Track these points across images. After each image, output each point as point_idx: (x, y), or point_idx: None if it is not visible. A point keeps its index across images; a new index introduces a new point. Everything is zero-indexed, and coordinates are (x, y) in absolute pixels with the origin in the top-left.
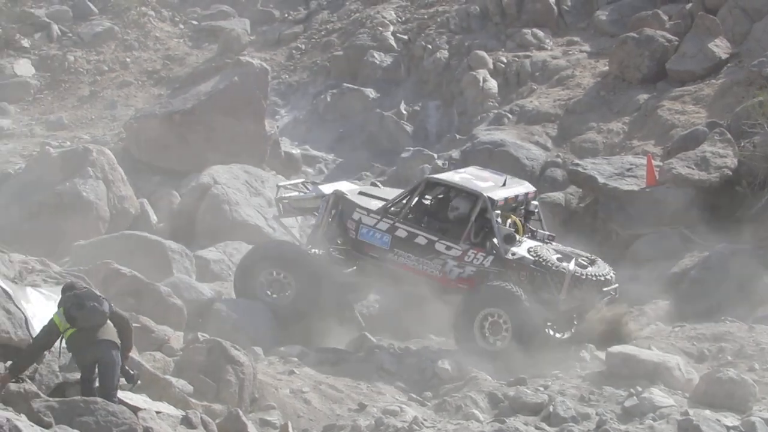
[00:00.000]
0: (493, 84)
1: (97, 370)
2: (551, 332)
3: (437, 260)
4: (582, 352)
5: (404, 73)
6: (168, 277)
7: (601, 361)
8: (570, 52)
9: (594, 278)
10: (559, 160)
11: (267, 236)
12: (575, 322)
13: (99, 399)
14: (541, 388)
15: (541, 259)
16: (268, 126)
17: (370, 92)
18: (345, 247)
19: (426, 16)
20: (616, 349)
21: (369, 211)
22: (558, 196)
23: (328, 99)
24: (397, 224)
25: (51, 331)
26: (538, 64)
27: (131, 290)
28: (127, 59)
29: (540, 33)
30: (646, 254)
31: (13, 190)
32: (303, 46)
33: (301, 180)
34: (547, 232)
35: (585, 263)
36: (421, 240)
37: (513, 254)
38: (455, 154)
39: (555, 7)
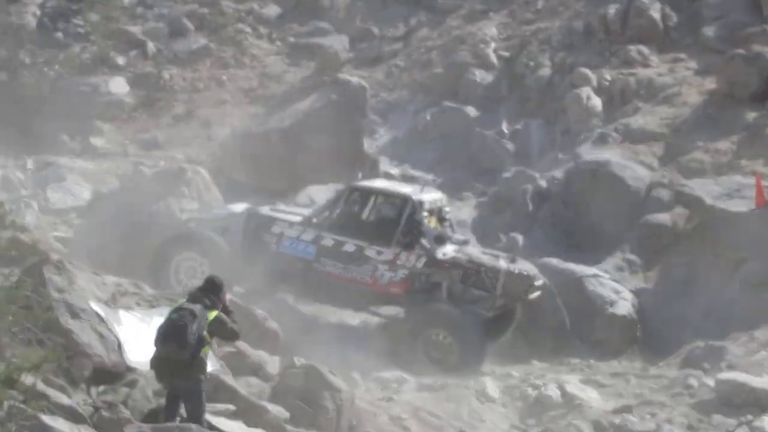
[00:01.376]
0: (597, 102)
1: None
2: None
3: (367, 266)
4: (690, 378)
5: (506, 91)
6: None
7: (711, 388)
8: (676, 69)
9: (525, 273)
10: (665, 180)
11: None
12: (513, 319)
13: (193, 425)
14: (648, 416)
15: (473, 258)
16: (367, 145)
17: (471, 110)
18: (262, 264)
19: (528, 33)
20: (726, 375)
21: (292, 222)
22: (664, 217)
23: (428, 117)
24: (322, 233)
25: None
26: (644, 81)
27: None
28: (223, 77)
29: (645, 50)
30: (755, 278)
31: (107, 210)
32: (402, 64)
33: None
34: (462, 237)
35: (512, 260)
36: (349, 247)
37: (444, 254)
38: (558, 173)
39: (660, 23)
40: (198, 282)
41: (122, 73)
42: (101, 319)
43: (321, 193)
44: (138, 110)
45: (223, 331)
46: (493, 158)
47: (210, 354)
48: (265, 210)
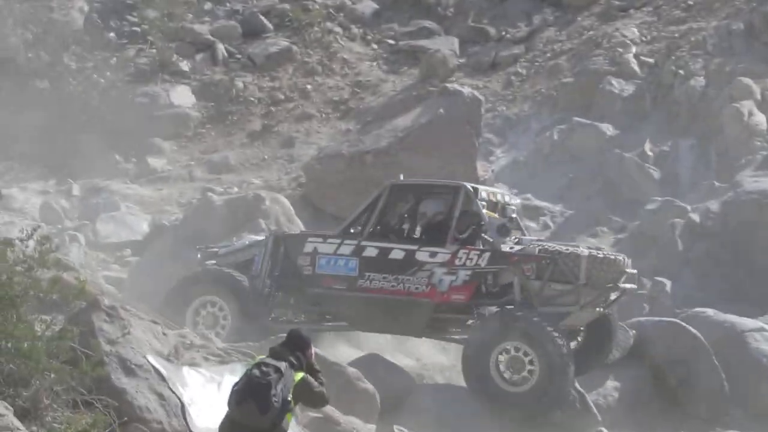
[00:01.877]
0: (761, 119)
1: None
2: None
3: (421, 273)
4: None
5: (649, 105)
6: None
7: None
8: None
9: (613, 257)
10: None
11: None
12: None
13: None
14: None
15: (547, 247)
16: (481, 169)
17: (608, 128)
18: (297, 293)
19: (677, 35)
20: None
21: (326, 236)
22: None
23: (555, 136)
24: (363, 243)
25: None
26: None
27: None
28: (308, 86)
29: None
30: None
31: (168, 245)
32: (524, 71)
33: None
34: (534, 238)
35: (596, 249)
36: (397, 254)
37: (511, 247)
38: (713, 205)
39: None
40: (221, 332)
41: (187, 81)
42: (161, 377)
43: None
44: (205, 126)
45: (310, 397)
46: (634, 186)
47: (293, 422)
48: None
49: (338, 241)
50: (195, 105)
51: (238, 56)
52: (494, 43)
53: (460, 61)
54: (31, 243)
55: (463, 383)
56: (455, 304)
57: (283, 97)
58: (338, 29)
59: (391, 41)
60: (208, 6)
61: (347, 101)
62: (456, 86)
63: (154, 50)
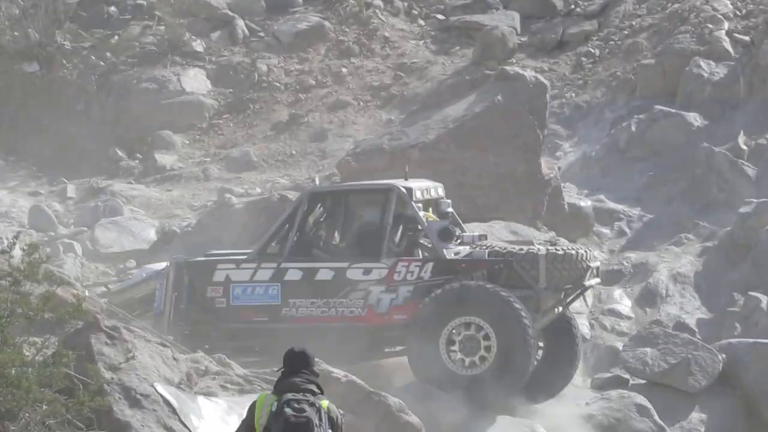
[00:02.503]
0: None
1: None
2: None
3: (355, 293)
4: None
5: (744, 91)
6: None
7: None
8: None
9: (574, 252)
10: None
11: None
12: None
13: None
14: None
15: (498, 249)
16: (546, 166)
17: (695, 118)
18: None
19: None
20: None
21: (238, 261)
22: None
23: (633, 128)
24: (284, 265)
25: (245, 422)
26: None
27: (348, 401)
28: (343, 69)
29: None
30: None
31: (180, 254)
32: (597, 52)
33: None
34: (476, 233)
35: (552, 243)
36: (325, 274)
37: (457, 253)
38: None
39: None
40: None
41: (201, 63)
42: (172, 409)
43: (481, 233)
44: (223, 116)
45: (335, 426)
46: (726, 186)
47: None
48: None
49: (254, 265)
50: (210, 92)
51: (261, 34)
52: (561, 18)
53: (522, 39)
54: (18, 253)
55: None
56: (398, 325)
57: (313, 82)
58: (379, 2)
59: (440, 16)
60: None
61: (389, 87)
62: (517, 69)
63: (163, 27)
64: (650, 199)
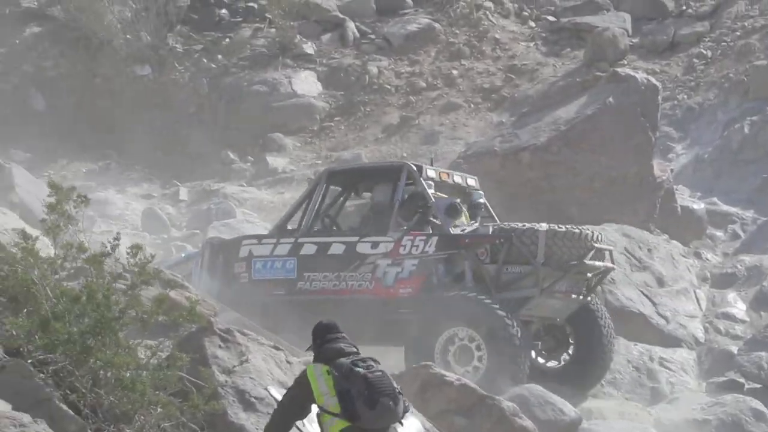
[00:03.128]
0: None
1: None
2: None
3: (364, 267)
4: None
5: None
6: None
7: None
8: None
9: (577, 230)
10: None
11: (657, 329)
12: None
13: None
14: None
15: (501, 225)
16: (658, 168)
17: None
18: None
19: None
20: None
21: (260, 236)
22: None
23: (746, 129)
24: (300, 240)
25: (295, 397)
26: None
27: (460, 405)
28: (454, 71)
29: None
30: None
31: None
32: (709, 53)
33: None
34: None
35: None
36: (337, 248)
37: (463, 230)
38: None
39: None
40: None
41: (312, 66)
42: None
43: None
44: (334, 118)
45: None
46: None
47: None
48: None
49: (274, 240)
50: (321, 94)
51: (372, 36)
52: (673, 19)
53: (633, 41)
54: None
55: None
56: (403, 299)
57: (424, 84)
58: (489, 4)
59: (551, 18)
60: None
61: (500, 89)
62: (628, 71)
63: (274, 30)
64: (764, 201)
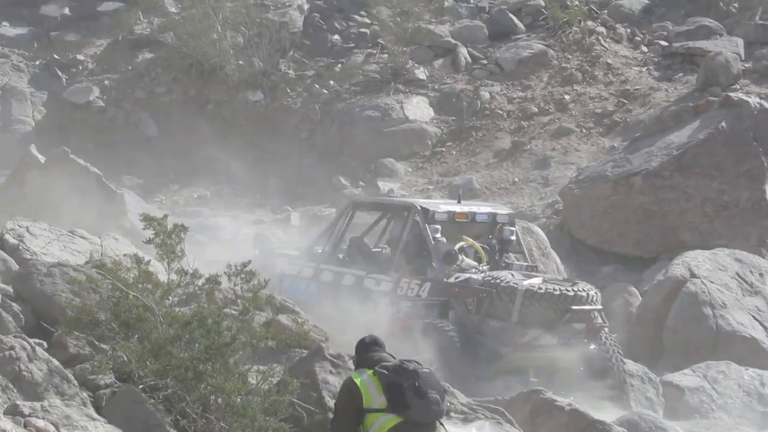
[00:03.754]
0: None
1: None
2: None
3: (369, 302)
4: None
5: None
6: (625, 410)
7: None
8: None
9: (557, 291)
10: None
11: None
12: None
13: None
14: None
15: (491, 278)
16: None
17: None
18: None
19: None
20: None
21: (291, 256)
22: None
23: None
24: (323, 266)
25: (346, 406)
26: None
27: (571, 430)
28: (566, 96)
29: None
30: None
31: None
32: None
33: None
34: (528, 263)
35: (556, 281)
36: (348, 280)
37: (456, 277)
38: None
39: None
40: None
41: (423, 91)
42: None
43: (707, 262)
44: (446, 143)
45: None
46: None
47: None
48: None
49: (301, 262)
50: (433, 119)
51: (484, 62)
52: None
53: (746, 65)
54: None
55: None
56: (397, 336)
57: (536, 109)
58: (601, 29)
59: (663, 42)
60: (449, 3)
61: (612, 114)
62: (741, 95)
63: (386, 55)
64: None
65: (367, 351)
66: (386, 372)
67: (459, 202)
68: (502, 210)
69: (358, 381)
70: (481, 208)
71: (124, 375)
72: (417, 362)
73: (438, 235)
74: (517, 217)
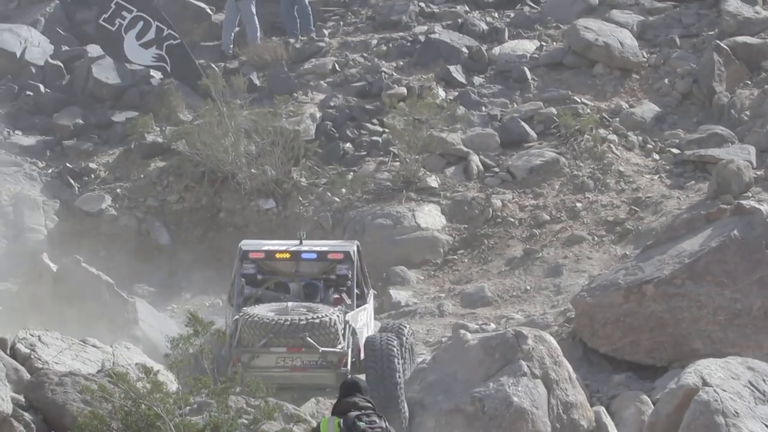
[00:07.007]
0: None
1: None
2: None
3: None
4: None
5: None
6: None
7: None
8: None
9: (261, 320)
10: None
11: None
12: None
13: None
14: None
15: (242, 312)
16: None
17: None
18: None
19: None
20: None
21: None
22: None
23: None
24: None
25: None
26: None
27: None
28: (578, 204)
29: None
30: None
31: (414, 393)
32: None
33: None
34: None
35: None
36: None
37: (241, 314)
38: None
39: None
40: None
41: (435, 199)
42: None
43: (719, 370)
44: (457, 251)
45: None
46: None
47: None
48: None
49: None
50: (445, 227)
51: (496, 169)
52: None
53: (758, 173)
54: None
55: None
56: None
57: (548, 217)
58: (613, 137)
59: (675, 150)
60: (461, 111)
61: (624, 221)
62: (753, 203)
63: (398, 163)
64: None
65: (345, 395)
66: (343, 427)
67: (300, 243)
68: (338, 248)
69: (323, 428)
70: (313, 247)
71: None
72: (377, 416)
73: (251, 272)
74: (528, 326)
